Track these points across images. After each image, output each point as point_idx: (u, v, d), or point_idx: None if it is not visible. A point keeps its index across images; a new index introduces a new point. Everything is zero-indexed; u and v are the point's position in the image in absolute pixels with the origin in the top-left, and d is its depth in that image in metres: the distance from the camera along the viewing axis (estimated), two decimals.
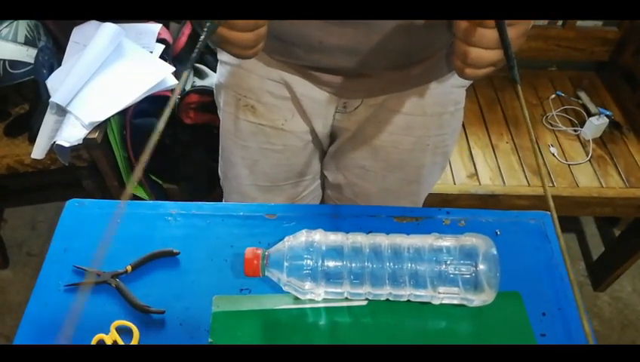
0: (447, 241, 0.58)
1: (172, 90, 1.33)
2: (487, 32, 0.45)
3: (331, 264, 0.56)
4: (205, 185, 1.44)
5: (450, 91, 0.76)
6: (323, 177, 0.93)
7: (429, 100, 0.75)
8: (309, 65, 0.71)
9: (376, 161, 0.82)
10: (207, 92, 1.33)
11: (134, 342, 0.55)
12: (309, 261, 0.56)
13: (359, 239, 0.58)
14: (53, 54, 1.33)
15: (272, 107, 0.77)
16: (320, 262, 0.56)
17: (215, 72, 1.43)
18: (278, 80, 0.75)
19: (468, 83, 0.79)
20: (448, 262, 0.56)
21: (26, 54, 1.24)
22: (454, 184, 1.35)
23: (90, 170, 1.31)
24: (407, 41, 0.63)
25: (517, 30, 0.46)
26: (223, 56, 0.80)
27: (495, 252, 0.56)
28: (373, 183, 0.85)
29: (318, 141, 0.85)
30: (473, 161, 1.41)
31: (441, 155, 0.84)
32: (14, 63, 1.22)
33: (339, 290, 0.57)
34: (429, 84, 0.74)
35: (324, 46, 0.64)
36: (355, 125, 0.79)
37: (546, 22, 1.57)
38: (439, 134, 0.79)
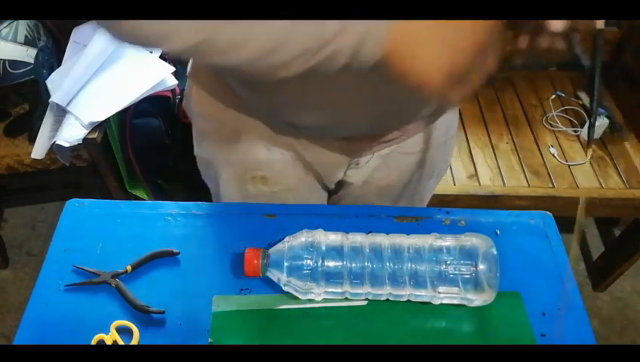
0: (447, 241, 0.58)
1: (172, 91, 1.33)
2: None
3: (331, 264, 0.56)
4: (205, 185, 1.44)
5: (449, 118, 0.77)
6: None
7: (434, 133, 0.76)
8: (322, 136, 0.71)
9: (383, 198, 0.82)
10: None
11: (134, 342, 0.55)
12: (309, 261, 0.56)
13: (359, 239, 0.58)
14: (53, 54, 1.33)
15: (283, 173, 0.75)
16: (320, 262, 0.56)
17: None
18: (288, 148, 0.73)
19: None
20: (448, 262, 0.56)
21: (26, 54, 1.24)
22: (454, 185, 1.35)
23: (90, 170, 1.32)
24: (425, 104, 0.64)
25: None
26: (204, 125, 0.75)
27: (495, 252, 0.56)
28: None
29: (326, 189, 0.84)
30: (473, 162, 1.41)
31: (443, 173, 0.85)
32: (14, 63, 1.22)
33: (339, 290, 0.57)
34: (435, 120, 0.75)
35: (339, 126, 0.65)
36: (365, 175, 0.79)
37: None
38: (444, 160, 0.81)
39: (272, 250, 0.59)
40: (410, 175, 0.79)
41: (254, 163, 0.74)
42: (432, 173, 0.81)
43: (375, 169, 0.77)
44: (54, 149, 1.18)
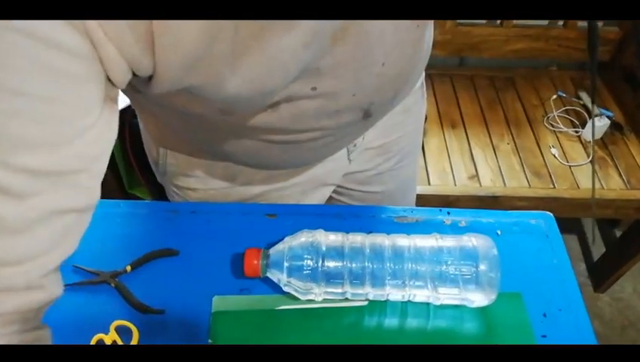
0: (447, 242, 0.58)
1: None
2: None
3: (331, 264, 0.56)
4: None
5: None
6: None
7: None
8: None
9: (387, 156, 0.80)
10: None
11: (134, 342, 0.55)
12: (309, 261, 0.56)
13: (359, 239, 0.58)
14: None
15: (284, 195, 0.74)
16: (320, 262, 0.56)
17: None
18: (285, 179, 0.72)
19: None
20: (449, 263, 0.56)
21: None
22: (455, 185, 1.35)
23: None
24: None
25: None
26: (188, 182, 0.72)
27: (496, 252, 0.56)
28: (389, 182, 0.84)
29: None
30: (474, 162, 1.41)
31: (421, 124, 0.84)
32: None
33: (339, 290, 0.57)
34: None
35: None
36: (368, 145, 0.77)
37: (546, 22, 1.57)
38: (421, 99, 0.80)
39: (272, 250, 0.59)
40: (404, 123, 0.78)
41: (252, 196, 0.73)
42: (418, 115, 0.80)
43: (373, 139, 0.75)
44: None
